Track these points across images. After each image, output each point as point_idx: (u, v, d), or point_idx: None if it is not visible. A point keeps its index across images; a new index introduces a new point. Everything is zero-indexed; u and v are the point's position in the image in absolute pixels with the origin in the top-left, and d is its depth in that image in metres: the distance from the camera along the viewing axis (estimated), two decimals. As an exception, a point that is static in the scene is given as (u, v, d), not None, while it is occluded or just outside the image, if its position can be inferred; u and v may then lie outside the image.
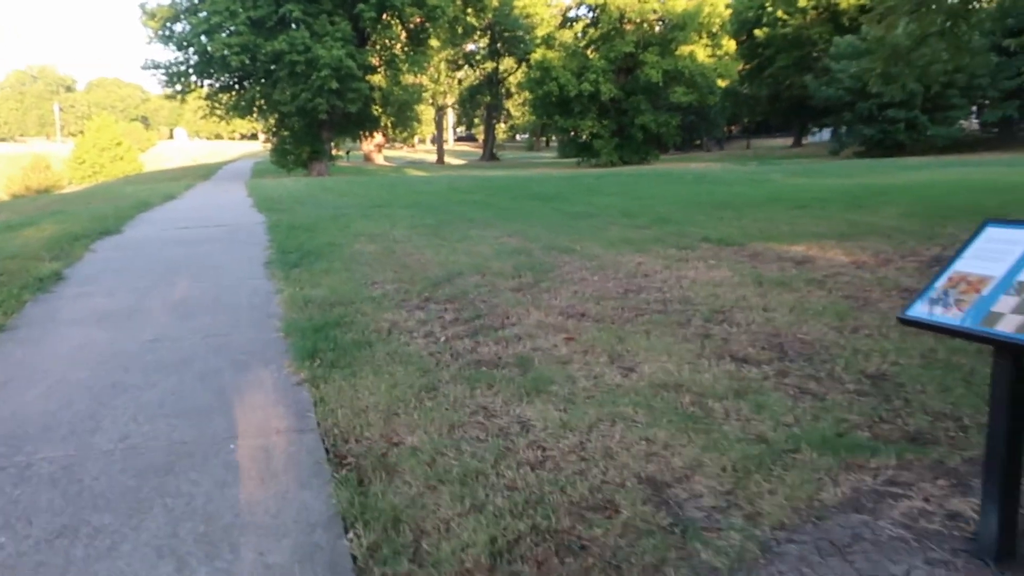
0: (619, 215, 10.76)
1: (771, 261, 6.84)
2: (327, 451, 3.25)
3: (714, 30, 37.37)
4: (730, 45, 38.69)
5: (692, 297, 5.55)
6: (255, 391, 3.94)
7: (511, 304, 5.42)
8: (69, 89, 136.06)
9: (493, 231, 9.14)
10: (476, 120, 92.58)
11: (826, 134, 57.90)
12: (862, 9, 30.90)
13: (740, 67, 39.05)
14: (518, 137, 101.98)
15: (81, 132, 67.88)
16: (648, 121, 37.45)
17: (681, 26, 36.40)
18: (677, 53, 37.19)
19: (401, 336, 4.74)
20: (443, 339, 4.69)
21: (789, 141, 61.08)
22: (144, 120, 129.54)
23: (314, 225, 9.70)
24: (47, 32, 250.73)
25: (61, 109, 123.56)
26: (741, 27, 43.18)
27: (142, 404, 3.76)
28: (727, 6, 38.56)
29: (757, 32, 43.27)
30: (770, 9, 42.43)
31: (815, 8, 41.22)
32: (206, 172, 39.07)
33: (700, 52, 37.32)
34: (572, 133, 40.12)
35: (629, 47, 36.52)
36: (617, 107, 37.99)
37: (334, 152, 35.36)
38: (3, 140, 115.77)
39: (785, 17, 41.50)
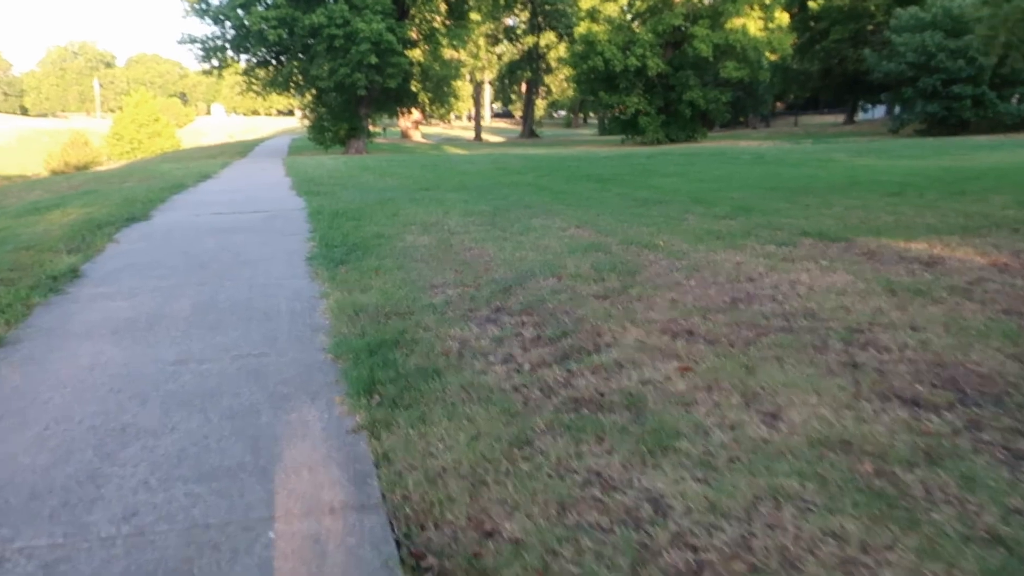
0: (690, 201, 9.75)
1: (893, 262, 5.82)
2: (398, 544, 2.40)
3: (767, 1, 35.65)
4: (783, 17, 36.92)
5: (816, 310, 4.60)
6: (299, 441, 3.09)
7: (600, 317, 4.51)
8: (109, 65, 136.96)
9: (557, 220, 8.21)
10: (512, 96, 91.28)
11: (879, 111, 55.81)
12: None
13: (792, 41, 37.21)
14: (554, 114, 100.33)
15: (120, 108, 67.95)
16: (696, 97, 35.96)
17: (733, -1, 34.81)
18: (728, 26, 35.60)
19: (475, 361, 3.87)
20: (526, 366, 3.81)
21: (839, 118, 58.93)
22: (182, 96, 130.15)
23: (359, 211, 8.85)
24: (88, 8, 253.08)
25: (101, 85, 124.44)
26: (792, -1, 41.37)
27: (157, 459, 2.94)
28: (781, -24, 36.74)
29: (811, 3, 41.40)
30: (826, -21, 40.63)
31: (873, -22, 39.30)
32: (243, 149, 38.54)
33: (752, 25, 35.67)
34: (616, 109, 38.79)
35: (678, 20, 34.97)
36: (664, 83, 36.54)
37: (371, 129, 34.49)
38: (45, 116, 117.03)
39: (842, -13, 39.63)
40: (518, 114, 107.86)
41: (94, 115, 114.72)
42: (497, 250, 6.63)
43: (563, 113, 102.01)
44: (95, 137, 60.15)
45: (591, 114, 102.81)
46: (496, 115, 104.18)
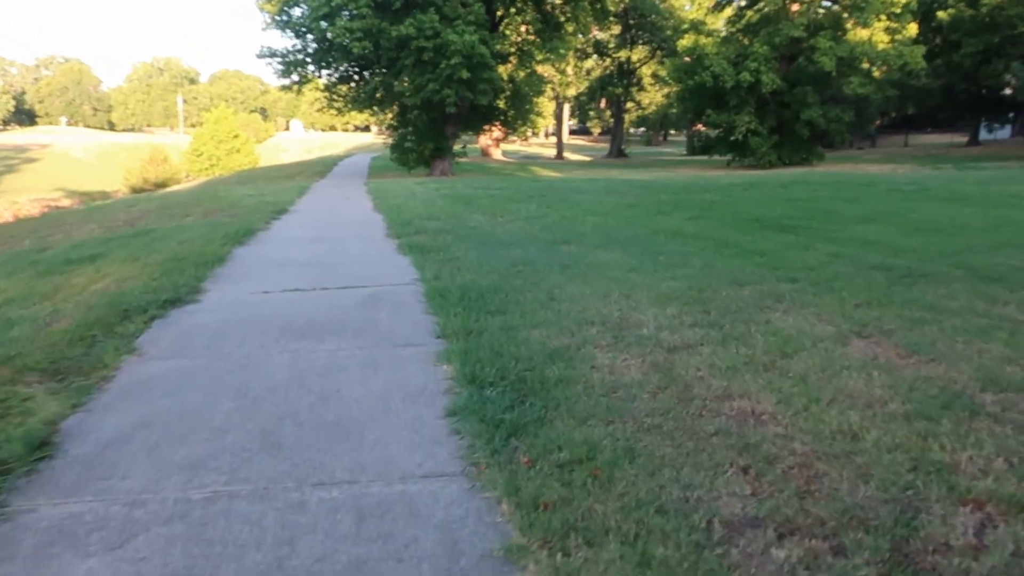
0: (966, 274, 6.66)
1: None
2: None
3: (896, 11, 31.83)
4: (911, 29, 33.00)
5: None
6: None
7: None
8: (192, 81, 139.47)
9: (809, 318, 5.22)
10: (591, 112, 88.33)
11: (1005, 131, 50.95)
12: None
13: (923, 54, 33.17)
14: (631, 131, 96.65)
15: (201, 123, 67.47)
16: (816, 116, 32.24)
17: (860, 6, 31.08)
18: (851, 38, 31.93)
19: None
20: None
21: (954, 137, 54.11)
22: (263, 112, 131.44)
23: (496, 291, 6.00)
24: (173, 24, 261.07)
25: (184, 101, 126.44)
26: (918, 9, 37.28)
27: None
28: (912, -17, 32.80)
29: (940, 14, 37.27)
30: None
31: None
32: (322, 168, 36.52)
33: (878, 37, 31.92)
34: (722, 128, 35.38)
35: (798, 31, 31.43)
36: (778, 100, 32.98)
37: (456, 148, 31.91)
38: (131, 131, 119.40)
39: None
40: (596, 131, 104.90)
41: (177, 130, 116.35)
42: (777, 401, 3.71)
43: (642, 130, 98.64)
44: (177, 152, 59.57)
45: (672, 131, 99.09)
46: (572, 132, 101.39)
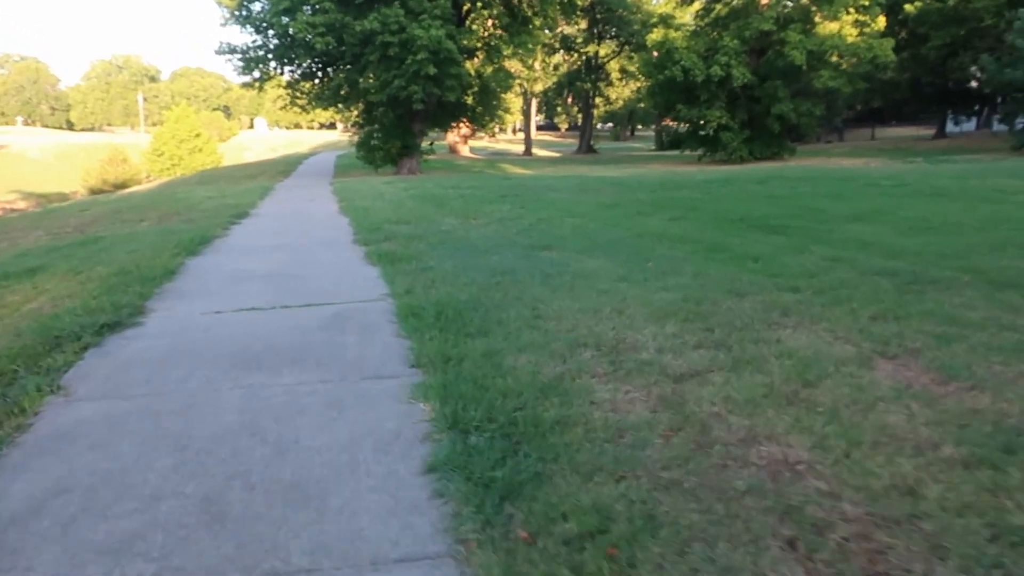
0: (978, 279, 6.22)
1: None
2: None
3: (865, 3, 31.69)
4: (880, 22, 32.91)
5: None
6: None
7: None
8: (153, 79, 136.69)
9: (822, 335, 4.73)
10: (558, 108, 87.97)
11: (971, 124, 51.37)
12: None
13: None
14: (599, 126, 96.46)
15: (163, 122, 65.78)
16: (787, 110, 31.99)
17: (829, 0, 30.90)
18: (821, 31, 31.75)
19: None
20: None
21: (920, 130, 54.52)
22: (226, 110, 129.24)
23: (475, 308, 5.42)
24: (133, 21, 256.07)
25: (145, 99, 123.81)
26: (885, 2, 37.26)
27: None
28: (881, -24, 32.66)
29: (907, 7, 37.24)
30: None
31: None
32: (285, 168, 35.59)
33: (848, 30, 31.77)
34: (686, 123, 35.06)
35: (768, 24, 31.13)
36: (748, 94, 32.71)
37: (423, 145, 31.13)
38: (91, 130, 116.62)
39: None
40: (563, 127, 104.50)
41: (138, 129, 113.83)
42: (811, 445, 3.20)
43: (609, 126, 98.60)
44: (138, 152, 58.02)
45: (639, 126, 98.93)
46: (539, 127, 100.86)
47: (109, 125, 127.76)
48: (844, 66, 33.03)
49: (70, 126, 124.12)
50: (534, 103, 68.21)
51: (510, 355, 4.43)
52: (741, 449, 3.21)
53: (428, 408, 3.72)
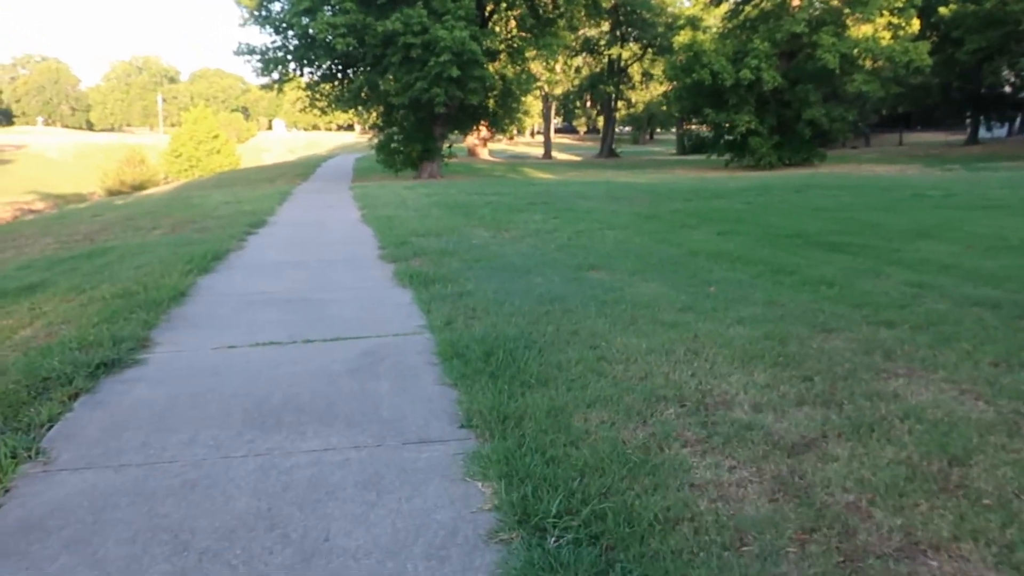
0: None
1: None
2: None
3: (899, 5, 30.71)
4: (914, 25, 31.93)
5: None
6: None
7: None
8: (172, 80, 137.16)
9: (943, 386, 3.98)
10: (576, 111, 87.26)
11: (1002, 131, 50.11)
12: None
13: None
14: (619, 130, 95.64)
15: (181, 123, 65.54)
16: (818, 115, 31.06)
17: (863, 1, 29.91)
18: (855, 35, 30.80)
19: None
20: None
21: (949, 136, 53.29)
22: (244, 111, 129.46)
23: (526, 346, 4.67)
24: (152, 23, 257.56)
25: (164, 100, 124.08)
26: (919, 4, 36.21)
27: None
28: (915, -22, 31.64)
29: (941, 9, 36.18)
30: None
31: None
32: (304, 171, 35.03)
33: (881, 33, 30.81)
34: (718, 127, 34.20)
35: (800, 26, 30.23)
36: (778, 98, 31.79)
37: (444, 148, 30.42)
38: (110, 130, 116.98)
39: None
40: (582, 130, 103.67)
41: (157, 130, 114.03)
42: (996, 560, 2.44)
43: (628, 129, 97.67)
44: (156, 153, 57.77)
45: (659, 129, 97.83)
46: (557, 130, 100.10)
47: (128, 126, 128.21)
48: (878, 70, 32.05)
49: (90, 127, 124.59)
50: (553, 106, 67.47)
51: (578, 412, 3.69)
52: (905, 566, 2.45)
53: (489, 491, 2.99)
